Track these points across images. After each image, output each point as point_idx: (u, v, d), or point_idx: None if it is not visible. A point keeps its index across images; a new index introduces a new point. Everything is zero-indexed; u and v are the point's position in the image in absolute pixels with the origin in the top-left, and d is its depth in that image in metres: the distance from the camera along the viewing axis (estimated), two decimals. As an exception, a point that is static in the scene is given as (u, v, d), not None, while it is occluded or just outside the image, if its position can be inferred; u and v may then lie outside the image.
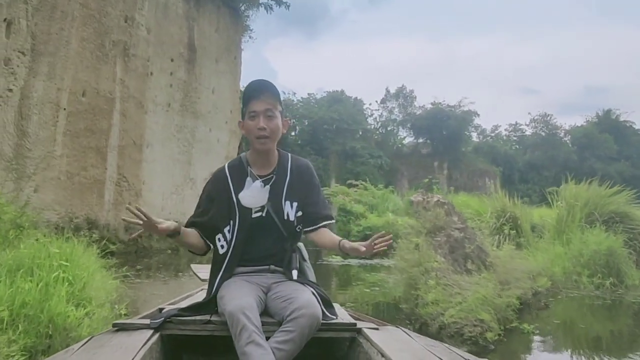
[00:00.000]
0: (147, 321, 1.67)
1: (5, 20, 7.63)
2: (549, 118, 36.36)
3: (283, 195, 1.86)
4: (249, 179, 1.86)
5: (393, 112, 33.45)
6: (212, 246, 1.92)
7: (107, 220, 10.00)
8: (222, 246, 1.87)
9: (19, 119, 8.03)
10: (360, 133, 30.30)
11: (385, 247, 1.76)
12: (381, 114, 33.58)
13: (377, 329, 1.77)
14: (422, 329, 3.41)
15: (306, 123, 28.96)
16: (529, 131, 37.39)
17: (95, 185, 9.71)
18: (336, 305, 1.97)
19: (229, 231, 1.85)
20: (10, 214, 4.02)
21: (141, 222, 1.75)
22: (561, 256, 6.38)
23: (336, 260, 9.76)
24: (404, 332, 1.81)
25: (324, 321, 1.67)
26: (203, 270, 5.04)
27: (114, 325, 1.67)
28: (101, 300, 3.27)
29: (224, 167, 1.96)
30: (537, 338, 3.63)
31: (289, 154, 1.98)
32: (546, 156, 33.50)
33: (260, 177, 1.87)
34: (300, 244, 1.97)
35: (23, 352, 2.21)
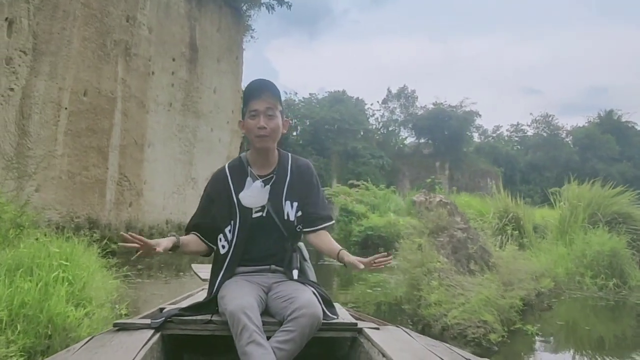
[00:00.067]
0: (148, 321, 1.67)
1: (6, 19, 7.62)
2: (550, 118, 36.29)
3: (283, 195, 1.87)
4: (249, 179, 1.86)
5: (395, 113, 33.42)
6: (215, 247, 1.91)
7: (108, 220, 9.99)
8: (223, 246, 1.88)
9: (20, 118, 8.02)
10: (362, 133, 30.25)
11: (384, 266, 1.79)
12: (383, 114, 33.56)
13: (377, 328, 1.77)
14: (425, 330, 3.38)
15: (308, 123, 28.92)
16: (530, 132, 37.32)
17: (97, 184, 9.70)
18: (337, 305, 1.97)
19: (229, 231, 1.86)
20: (10, 213, 4.01)
21: (138, 246, 1.74)
22: (564, 257, 6.35)
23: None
24: (405, 332, 1.80)
25: (325, 321, 1.66)
26: (204, 270, 5.02)
27: (115, 324, 1.67)
28: (101, 300, 3.25)
29: (224, 167, 1.97)
30: (540, 340, 3.60)
31: (289, 154, 1.98)
32: (548, 157, 33.41)
33: (261, 177, 1.87)
34: (301, 244, 1.98)
35: (22, 353, 2.19)
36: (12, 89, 7.85)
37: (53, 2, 8.43)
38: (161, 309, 1.87)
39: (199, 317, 1.70)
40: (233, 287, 1.73)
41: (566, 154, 33.37)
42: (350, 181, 18.35)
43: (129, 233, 1.73)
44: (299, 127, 29.11)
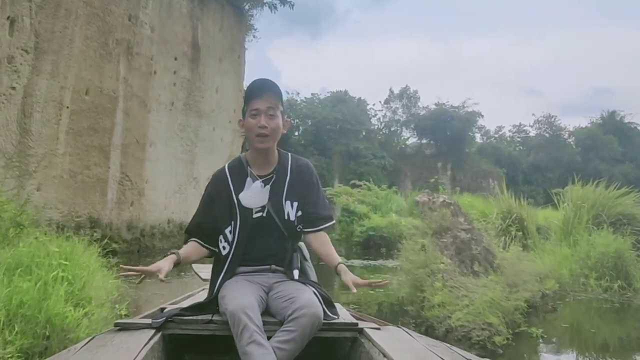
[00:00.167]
0: (149, 321, 1.68)
1: (8, 18, 7.61)
2: (552, 119, 36.18)
3: (283, 195, 1.87)
4: (249, 179, 1.86)
5: (397, 113, 33.35)
6: (216, 250, 1.91)
7: (109, 219, 9.97)
8: (224, 247, 1.87)
9: (22, 117, 8.01)
10: (364, 133, 30.18)
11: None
12: (385, 114, 33.48)
13: (378, 328, 1.77)
14: (429, 332, 3.34)
15: (309, 123, 28.86)
16: (532, 132, 37.22)
17: (98, 184, 9.68)
18: (337, 305, 1.97)
19: (230, 232, 1.86)
20: (10, 212, 3.98)
21: (138, 274, 1.73)
22: (568, 258, 6.30)
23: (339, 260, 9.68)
24: (406, 332, 1.80)
25: (326, 321, 1.66)
26: (204, 270, 4.99)
27: (116, 324, 1.67)
28: (101, 300, 3.21)
29: (224, 167, 1.96)
30: (545, 342, 3.55)
31: (289, 154, 1.97)
32: (550, 157, 33.31)
33: (261, 177, 1.87)
34: (302, 244, 1.97)
35: (19, 354, 2.15)
36: (13, 88, 7.83)
37: (55, 1, 8.41)
38: (162, 309, 1.87)
39: (199, 317, 1.70)
40: (234, 287, 1.73)
41: (568, 154, 33.26)
42: (352, 181, 18.31)
43: (126, 267, 1.72)
44: (300, 127, 29.06)
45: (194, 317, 1.70)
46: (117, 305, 3.54)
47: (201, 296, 2.22)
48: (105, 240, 4.78)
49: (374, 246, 13.07)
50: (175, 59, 11.93)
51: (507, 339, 3.18)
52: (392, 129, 33.26)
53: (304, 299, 1.61)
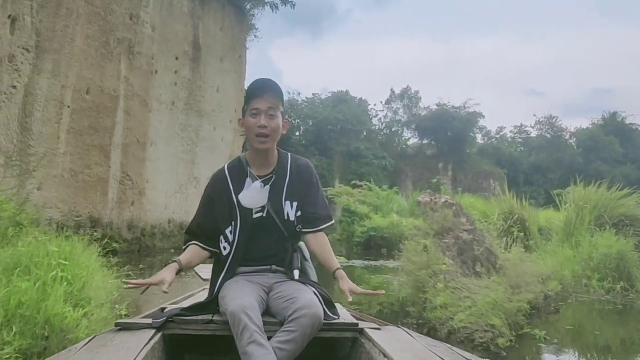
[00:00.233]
0: (149, 321, 1.68)
1: (9, 16, 7.59)
2: (554, 120, 36.14)
3: (283, 195, 1.87)
4: (248, 179, 1.86)
5: (398, 113, 33.31)
6: (217, 251, 1.90)
7: (110, 219, 9.95)
8: (224, 247, 1.87)
9: (23, 116, 7.99)
10: (365, 133, 30.15)
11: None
12: (386, 114, 33.45)
13: (378, 329, 1.77)
14: (431, 334, 3.30)
15: (310, 123, 28.82)
16: (533, 133, 37.17)
17: (99, 183, 9.66)
18: (338, 305, 1.97)
19: (230, 232, 1.86)
20: (9, 211, 3.96)
21: (141, 286, 1.73)
22: (570, 259, 6.27)
23: (340, 261, 9.64)
24: (406, 332, 1.80)
25: (326, 321, 1.67)
26: (205, 270, 4.97)
27: (117, 324, 1.67)
28: (101, 300, 3.19)
29: (223, 168, 1.96)
30: (548, 344, 3.52)
31: (289, 154, 1.97)
32: (551, 158, 33.26)
33: (260, 177, 1.87)
34: (302, 244, 1.97)
35: (17, 355, 2.13)
36: (14, 87, 7.82)
37: (56, 0, 8.40)
38: (162, 309, 1.87)
39: (200, 317, 1.70)
40: (234, 287, 1.73)
41: (569, 155, 33.21)
42: (353, 181, 18.29)
43: (129, 281, 1.74)
44: (301, 127, 29.03)
45: (194, 317, 1.70)
46: (117, 306, 3.52)
47: (201, 296, 2.23)
48: (106, 240, 4.75)
49: (375, 247, 13.04)
50: (176, 58, 11.91)
51: (510, 340, 3.15)
52: (393, 129, 33.22)
53: (305, 299, 1.61)
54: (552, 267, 5.71)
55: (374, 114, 32.84)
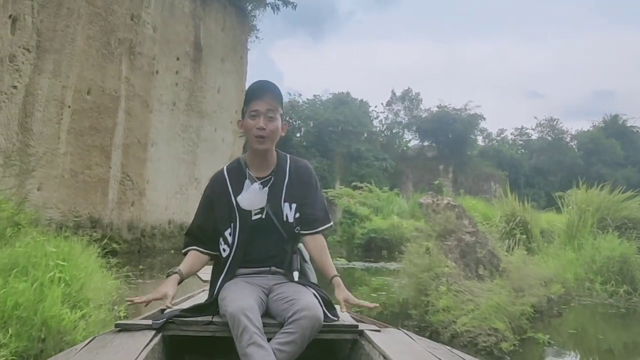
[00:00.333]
0: (149, 322, 1.68)
1: (10, 16, 7.57)
2: (555, 122, 36.05)
3: (282, 197, 1.87)
4: (247, 181, 1.87)
5: (399, 115, 33.24)
6: (217, 253, 1.91)
7: (110, 219, 9.92)
8: (224, 249, 1.88)
9: (23, 116, 7.97)
10: (366, 135, 30.09)
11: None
12: (387, 116, 33.36)
13: (378, 330, 1.77)
14: (433, 337, 3.26)
15: (311, 125, 28.77)
16: (535, 135, 37.08)
17: (99, 183, 9.64)
18: (337, 307, 1.95)
19: (230, 234, 1.86)
20: (8, 211, 3.93)
21: (144, 303, 1.75)
22: (573, 262, 6.22)
23: (340, 262, 9.62)
24: (406, 334, 1.80)
25: (326, 323, 1.67)
26: (204, 272, 4.92)
27: (117, 325, 1.68)
28: (100, 302, 3.15)
29: (222, 170, 1.97)
30: (552, 349, 3.48)
31: (288, 155, 1.97)
32: (552, 161, 33.19)
33: (259, 179, 1.87)
34: (301, 245, 1.97)
35: (13, 357, 2.10)
36: (15, 87, 7.80)
37: (57, 0, 8.38)
38: (162, 310, 1.86)
39: (200, 319, 1.70)
40: (233, 288, 1.74)
41: (570, 158, 33.13)
42: (354, 183, 18.26)
43: (132, 298, 1.76)
44: (302, 129, 28.98)
45: (194, 319, 1.70)
46: (115, 307, 3.48)
47: (201, 297, 2.23)
48: (105, 241, 4.72)
49: (375, 248, 13.01)
50: (178, 59, 11.90)
51: (514, 345, 3.11)
52: (394, 131, 33.16)
53: (304, 301, 1.62)
54: (554, 270, 5.67)
55: (374, 116, 32.79)
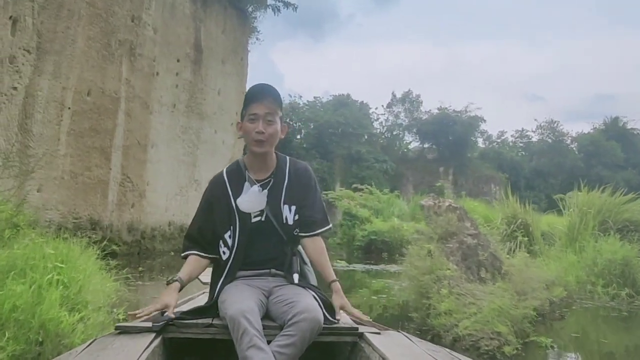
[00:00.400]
0: (150, 324, 1.68)
1: (10, 17, 7.56)
2: (555, 125, 36.05)
3: (281, 199, 1.87)
4: (246, 183, 1.87)
5: (399, 117, 33.23)
6: (217, 256, 1.90)
7: (110, 221, 9.90)
8: (224, 252, 1.87)
9: (23, 118, 7.95)
10: (366, 137, 30.08)
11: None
12: (387, 118, 33.37)
13: (379, 333, 1.76)
14: (435, 341, 3.23)
15: (312, 126, 28.76)
16: (535, 138, 37.08)
17: (99, 185, 9.62)
18: None
19: (229, 237, 1.86)
20: (6, 212, 3.90)
21: (147, 315, 1.74)
22: (574, 265, 6.19)
23: (341, 265, 9.59)
24: (406, 336, 1.79)
25: (326, 325, 1.67)
26: (205, 274, 4.90)
27: (117, 327, 1.68)
28: (99, 304, 3.13)
29: (222, 172, 1.97)
30: (555, 352, 3.44)
31: (287, 157, 1.97)
32: (552, 163, 33.18)
33: (258, 181, 1.88)
34: (301, 248, 1.96)
35: (10, 360, 2.07)
36: (15, 88, 7.78)
37: (58, 1, 8.38)
38: (162, 312, 1.85)
39: (200, 321, 1.70)
40: (233, 291, 1.74)
41: (571, 160, 33.13)
42: (354, 185, 18.22)
43: (134, 313, 1.74)
44: (303, 131, 28.97)
45: (194, 321, 1.70)
46: (114, 310, 3.45)
47: (201, 300, 2.23)
48: (105, 242, 4.69)
49: (376, 251, 12.97)
50: (178, 60, 11.89)
51: (517, 348, 3.08)
52: (394, 133, 33.17)
53: (304, 304, 1.62)
54: (556, 273, 5.64)
55: (375, 118, 32.80)
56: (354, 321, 1.95)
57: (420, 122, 32.05)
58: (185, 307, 1.98)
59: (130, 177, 10.46)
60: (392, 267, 8.88)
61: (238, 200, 1.84)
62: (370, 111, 32.62)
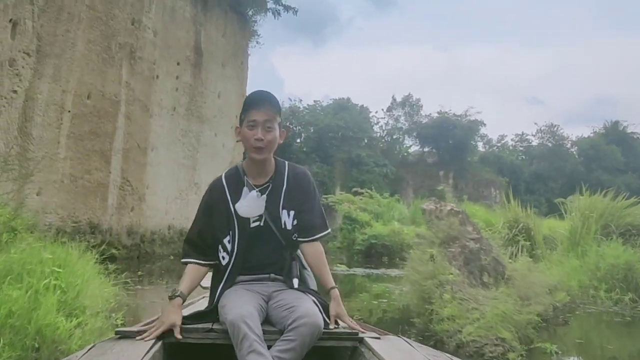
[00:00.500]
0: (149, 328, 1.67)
1: (10, 20, 7.55)
2: (555, 129, 36.08)
3: (280, 204, 1.87)
4: (245, 188, 1.88)
5: (399, 121, 33.23)
6: (216, 262, 1.90)
7: (109, 225, 9.85)
8: (223, 257, 1.87)
9: (23, 121, 7.93)
10: (366, 141, 30.07)
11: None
12: (387, 122, 33.37)
13: (379, 338, 1.75)
14: (438, 346, 3.19)
15: (312, 130, 28.75)
16: (535, 142, 37.07)
17: (99, 188, 9.58)
18: None
19: (229, 242, 1.86)
20: (4, 216, 3.86)
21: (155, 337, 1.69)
22: (577, 269, 6.14)
23: (341, 269, 9.54)
24: (406, 341, 1.78)
25: (326, 330, 1.67)
26: (205, 278, 4.86)
27: (117, 332, 1.69)
28: (97, 309, 3.08)
29: (221, 177, 1.97)
30: (559, 359, 3.39)
31: (286, 162, 1.96)
32: (552, 167, 33.17)
33: (257, 186, 1.88)
34: (300, 252, 1.95)
35: (6, 367, 2.02)
36: (15, 91, 7.76)
37: (58, 4, 8.37)
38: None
39: (200, 326, 1.71)
40: (233, 296, 1.74)
41: (571, 164, 33.13)
42: (354, 189, 18.18)
43: (146, 338, 1.66)
44: (303, 135, 28.97)
45: (195, 326, 1.70)
46: (113, 314, 3.40)
47: (201, 304, 2.23)
48: (104, 246, 4.65)
49: (376, 254, 12.92)
50: (178, 63, 11.88)
51: (521, 355, 3.04)
52: (395, 136, 33.17)
53: (304, 308, 1.62)
54: (558, 278, 5.59)
55: (375, 122, 32.80)
56: None
57: (421, 126, 32.05)
58: (186, 312, 1.95)
59: (130, 181, 10.42)
60: (393, 271, 8.84)
61: (237, 206, 1.84)
62: (371, 115, 32.64)
